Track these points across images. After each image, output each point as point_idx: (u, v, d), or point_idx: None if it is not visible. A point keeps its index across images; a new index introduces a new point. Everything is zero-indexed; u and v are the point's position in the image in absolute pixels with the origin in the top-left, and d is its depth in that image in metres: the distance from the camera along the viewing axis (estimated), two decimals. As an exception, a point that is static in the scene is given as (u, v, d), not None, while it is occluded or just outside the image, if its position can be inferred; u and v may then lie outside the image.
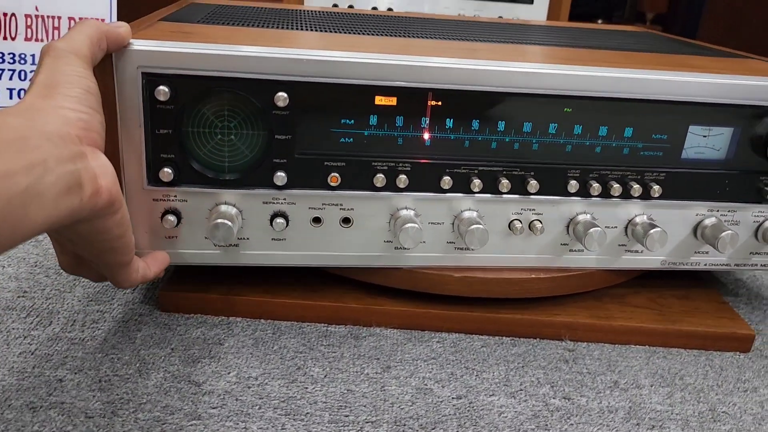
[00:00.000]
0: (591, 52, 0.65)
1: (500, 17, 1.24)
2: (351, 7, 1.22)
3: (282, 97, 0.50)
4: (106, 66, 0.47)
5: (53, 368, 0.50)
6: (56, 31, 1.17)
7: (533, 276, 0.59)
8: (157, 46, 0.48)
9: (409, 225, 0.53)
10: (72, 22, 1.17)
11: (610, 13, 2.62)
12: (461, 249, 0.58)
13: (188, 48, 0.48)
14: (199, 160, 0.51)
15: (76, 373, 0.50)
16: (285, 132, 0.51)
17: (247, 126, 0.51)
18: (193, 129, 0.50)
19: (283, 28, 0.63)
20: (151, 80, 0.48)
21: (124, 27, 0.47)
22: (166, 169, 0.50)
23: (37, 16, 1.16)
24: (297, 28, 0.64)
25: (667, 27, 2.76)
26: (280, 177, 0.52)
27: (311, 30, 0.64)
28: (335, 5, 1.22)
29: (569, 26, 0.95)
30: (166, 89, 0.48)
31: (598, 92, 0.54)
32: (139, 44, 0.48)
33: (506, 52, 0.60)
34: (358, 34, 0.64)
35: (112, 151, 0.49)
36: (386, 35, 0.65)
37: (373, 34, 0.64)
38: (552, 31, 0.84)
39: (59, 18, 1.17)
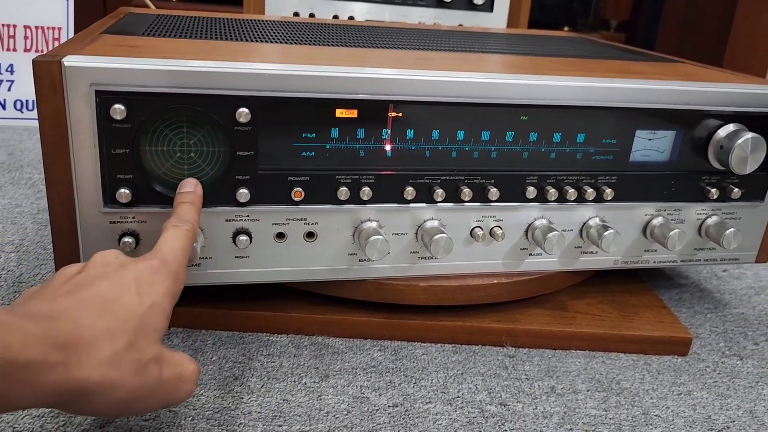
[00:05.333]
0: (541, 60, 0.66)
1: (460, 25, 1.25)
2: (312, 15, 1.23)
3: (244, 113, 0.49)
4: (56, 85, 0.46)
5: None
6: (11, 39, 1.16)
7: (495, 282, 0.60)
8: (111, 63, 0.46)
9: (375, 237, 0.53)
10: (27, 30, 1.16)
11: (574, 21, 2.65)
12: (425, 258, 0.58)
13: (144, 64, 0.47)
14: (158, 180, 0.50)
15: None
16: (247, 148, 0.50)
17: (208, 143, 0.49)
18: (151, 147, 0.49)
19: (235, 40, 0.63)
20: (105, 98, 0.46)
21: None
22: (123, 190, 0.49)
23: (-9, 25, 1.15)
24: (249, 40, 0.64)
25: (630, 33, 2.81)
26: (243, 194, 0.51)
27: (266, 42, 0.64)
28: (296, 13, 1.22)
29: (521, 33, 0.96)
30: (122, 107, 0.46)
31: (552, 101, 0.55)
32: (90, 61, 0.46)
33: (462, 61, 0.61)
34: (317, 45, 0.64)
35: (64, 174, 0.48)
36: (346, 46, 0.65)
37: (332, 45, 0.65)
38: (505, 39, 0.85)
39: (14, 26, 1.16)
